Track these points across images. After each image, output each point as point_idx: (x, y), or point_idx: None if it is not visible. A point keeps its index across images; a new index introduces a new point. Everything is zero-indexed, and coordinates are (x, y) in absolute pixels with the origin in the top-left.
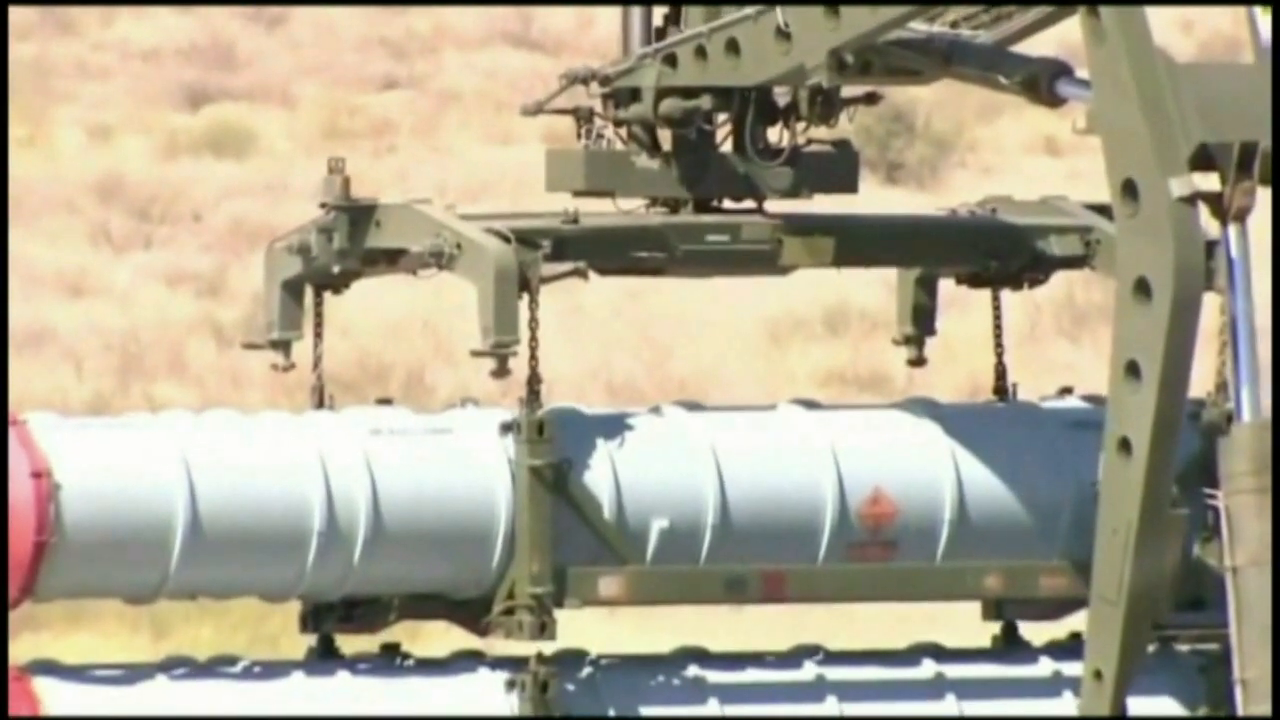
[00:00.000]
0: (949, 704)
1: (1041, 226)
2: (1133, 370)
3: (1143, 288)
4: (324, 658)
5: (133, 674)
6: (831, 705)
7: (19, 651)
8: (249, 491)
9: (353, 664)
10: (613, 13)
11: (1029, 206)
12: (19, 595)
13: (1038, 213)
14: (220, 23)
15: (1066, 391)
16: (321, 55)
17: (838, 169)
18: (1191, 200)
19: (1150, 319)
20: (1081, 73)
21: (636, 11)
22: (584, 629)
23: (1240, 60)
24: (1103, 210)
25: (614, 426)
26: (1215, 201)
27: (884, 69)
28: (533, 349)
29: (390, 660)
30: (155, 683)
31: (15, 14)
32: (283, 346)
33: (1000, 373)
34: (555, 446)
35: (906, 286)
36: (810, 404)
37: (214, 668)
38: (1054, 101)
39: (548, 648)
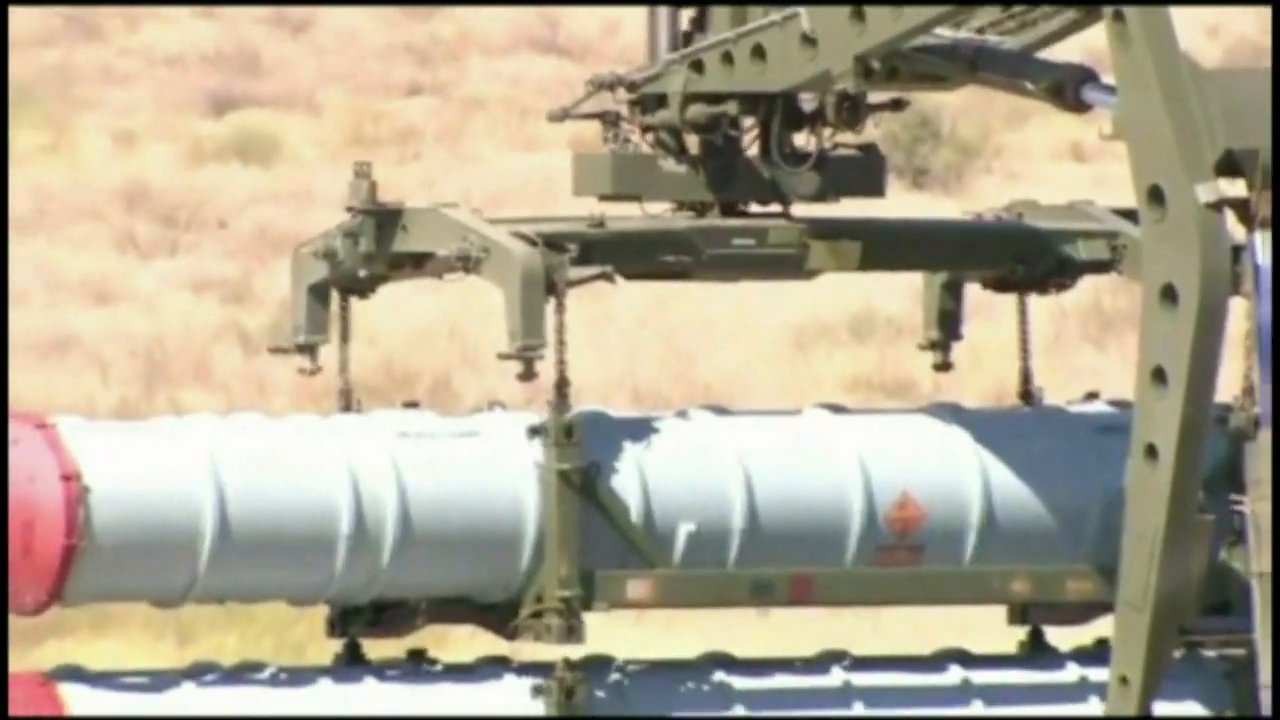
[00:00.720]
0: (975, 709)
1: (1068, 231)
2: (1159, 376)
3: (1169, 294)
4: (350, 664)
5: (159, 680)
6: (858, 711)
7: (44, 657)
8: (277, 495)
9: (379, 670)
10: (638, 18)
11: (1055, 211)
12: (46, 599)
13: (1064, 217)
14: (245, 29)
15: (1093, 396)
16: (346, 62)
17: (864, 174)
18: (1218, 206)
19: (1177, 325)
20: (1107, 78)
21: (663, 16)
22: (610, 635)
23: (1266, 66)
24: (1129, 215)
25: (641, 430)
26: (1241, 208)
27: (910, 75)
28: (560, 353)
29: (417, 666)
30: (181, 689)
31: (40, 20)
32: (309, 350)
33: (1026, 377)
34: (583, 450)
35: (932, 291)
36: (837, 408)
37: (240, 674)
38: (1079, 107)
39: (574, 653)
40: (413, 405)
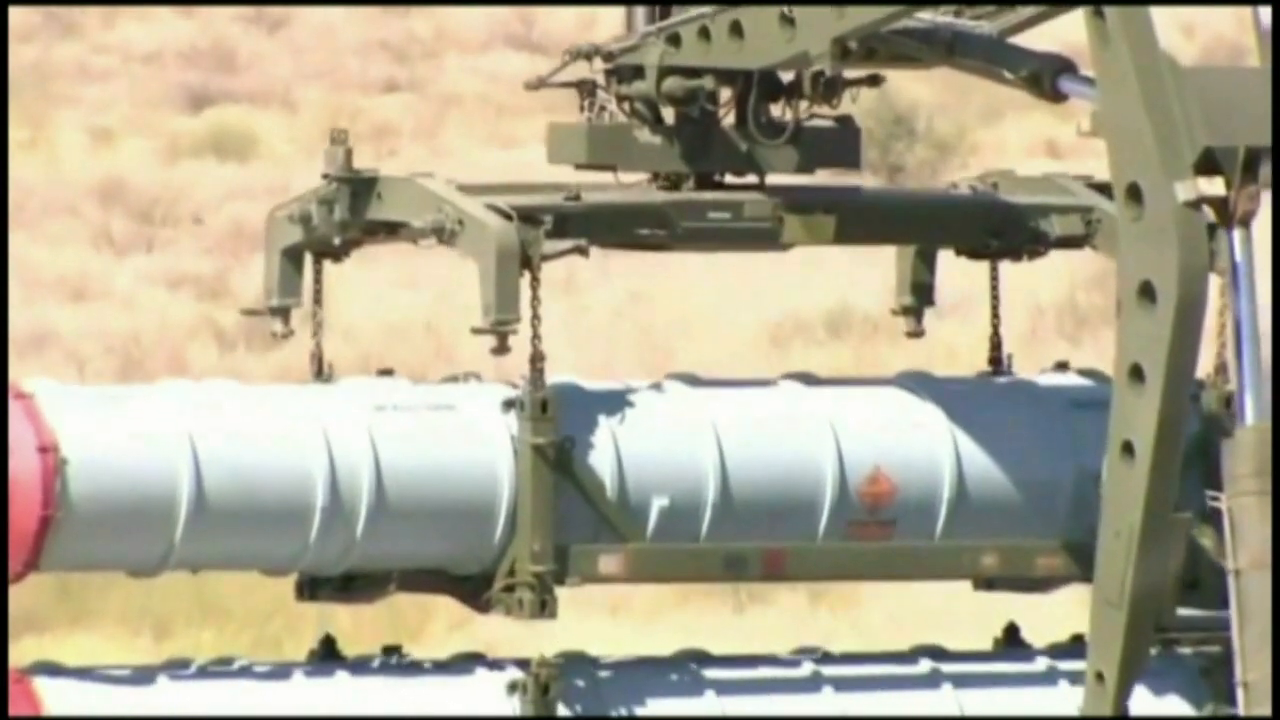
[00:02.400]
0: (946, 694)
1: (1042, 206)
2: (1136, 374)
3: (1147, 292)
4: (325, 660)
5: (134, 676)
6: (828, 696)
7: (20, 654)
8: (253, 466)
9: (354, 666)
10: (614, 15)
11: (1030, 183)
12: (22, 570)
13: (1039, 190)
14: (221, 26)
15: (1063, 366)
16: (323, 58)
17: (840, 145)
18: (1196, 205)
19: (1154, 323)
20: (1084, 69)
21: None
22: (586, 631)
23: (1245, 64)
24: (1104, 189)
25: (615, 403)
26: (1220, 206)
27: (887, 56)
28: (535, 327)
29: (391, 662)
30: (156, 685)
31: (17, 17)
32: (281, 313)
33: (996, 343)
34: (558, 425)
35: (906, 257)
36: (810, 379)
37: (214, 669)
38: (1056, 98)
39: (549, 649)
40: (387, 373)
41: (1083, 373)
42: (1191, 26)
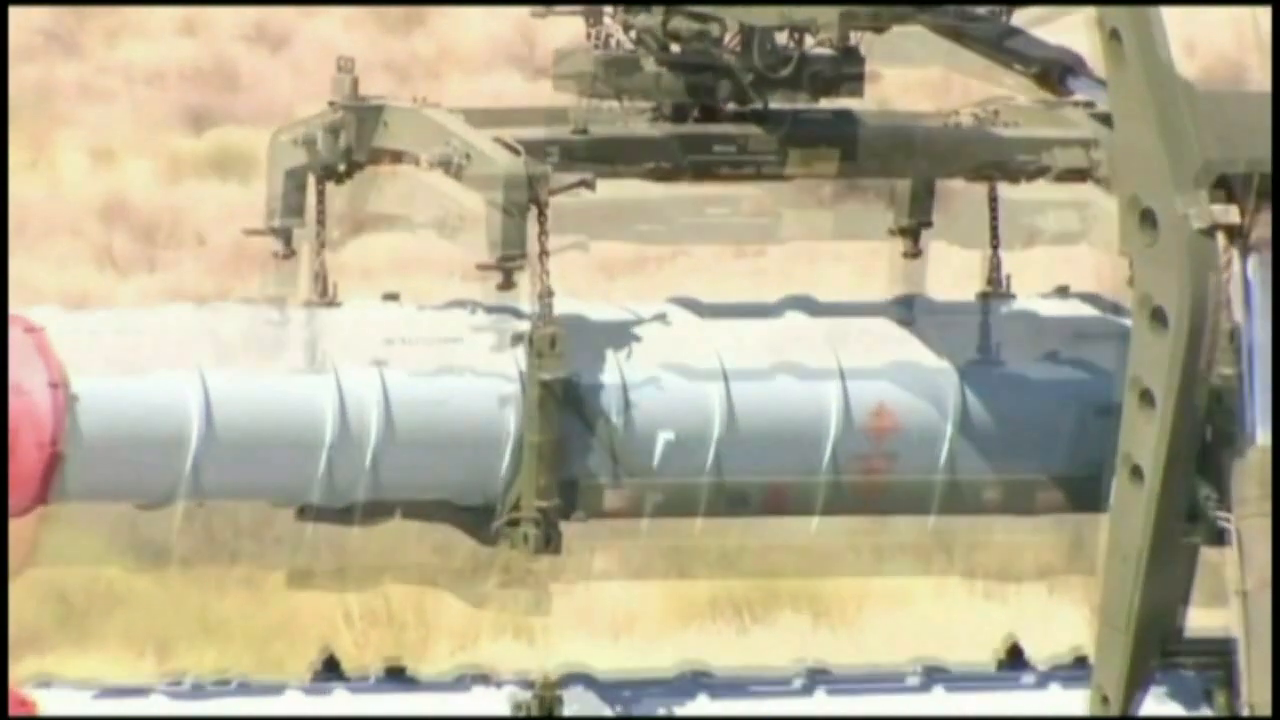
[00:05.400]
0: (939, 696)
1: (1045, 139)
2: (1146, 398)
3: (1158, 316)
4: (327, 677)
5: (134, 690)
6: (820, 698)
7: (21, 674)
8: (262, 400)
9: (356, 684)
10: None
11: (1033, 113)
12: (30, 504)
13: (1042, 121)
14: (224, 46)
15: (1063, 290)
16: (325, 78)
17: (844, 75)
18: (1209, 231)
19: (1165, 348)
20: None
21: None
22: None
23: (1243, 84)
24: (1107, 119)
25: (623, 337)
26: (1234, 232)
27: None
28: (542, 262)
29: (394, 680)
30: (152, 700)
31: (19, 37)
32: (283, 234)
33: (995, 265)
34: (565, 361)
35: (903, 180)
36: (813, 306)
37: (212, 685)
38: (1063, 96)
39: (552, 668)
40: (393, 297)
41: (1083, 297)
42: (1193, 45)
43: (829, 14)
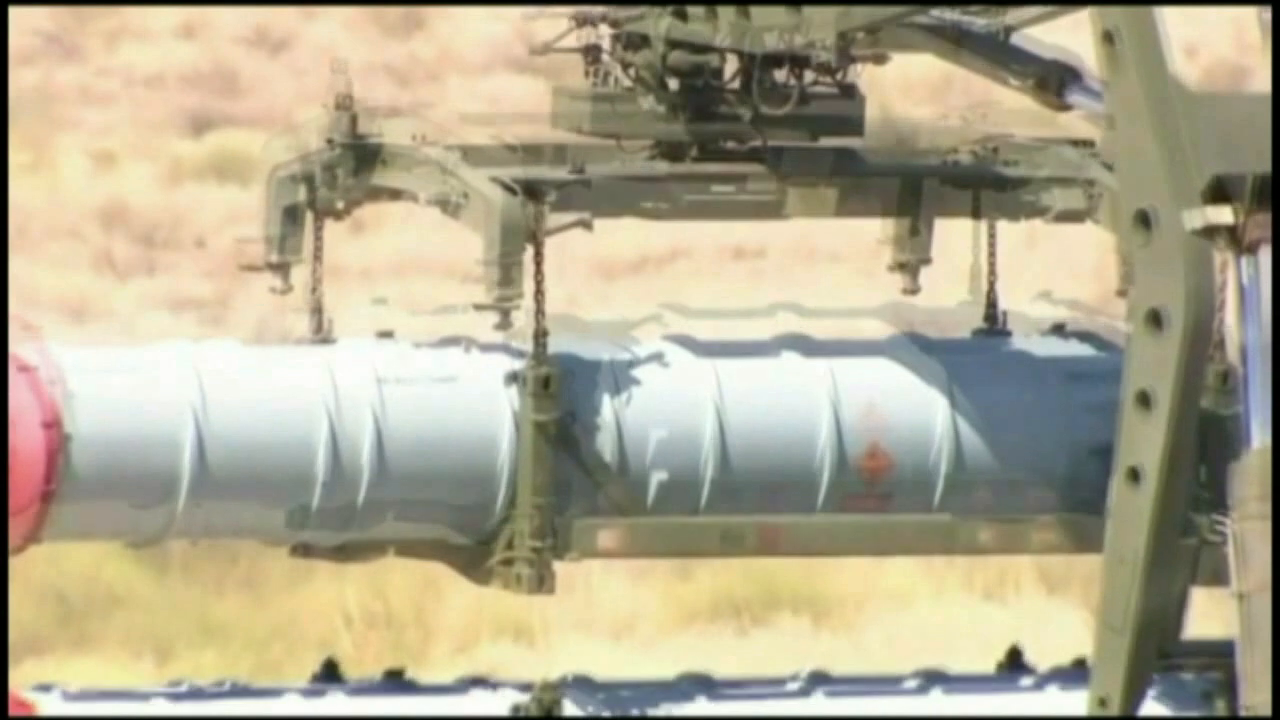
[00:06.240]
0: (937, 697)
1: (1043, 179)
2: (1144, 400)
3: (1155, 319)
4: (327, 682)
5: (136, 695)
6: (818, 699)
7: (21, 677)
8: (256, 441)
9: (356, 689)
10: None
11: (1031, 152)
12: (22, 543)
13: (1040, 160)
14: (224, 49)
15: (1059, 329)
16: (325, 81)
17: (844, 113)
18: (1206, 233)
19: (1162, 349)
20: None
21: None
22: (588, 655)
23: (1244, 87)
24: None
25: (618, 376)
26: (1230, 234)
27: (893, 46)
28: (538, 302)
29: (393, 685)
30: (153, 704)
31: (19, 40)
32: (281, 269)
33: (991, 300)
34: (559, 401)
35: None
36: (808, 345)
37: (211, 689)
38: (1061, 106)
39: (553, 673)
40: (387, 335)
41: (1080, 336)
42: (1194, 48)
43: (825, 14)
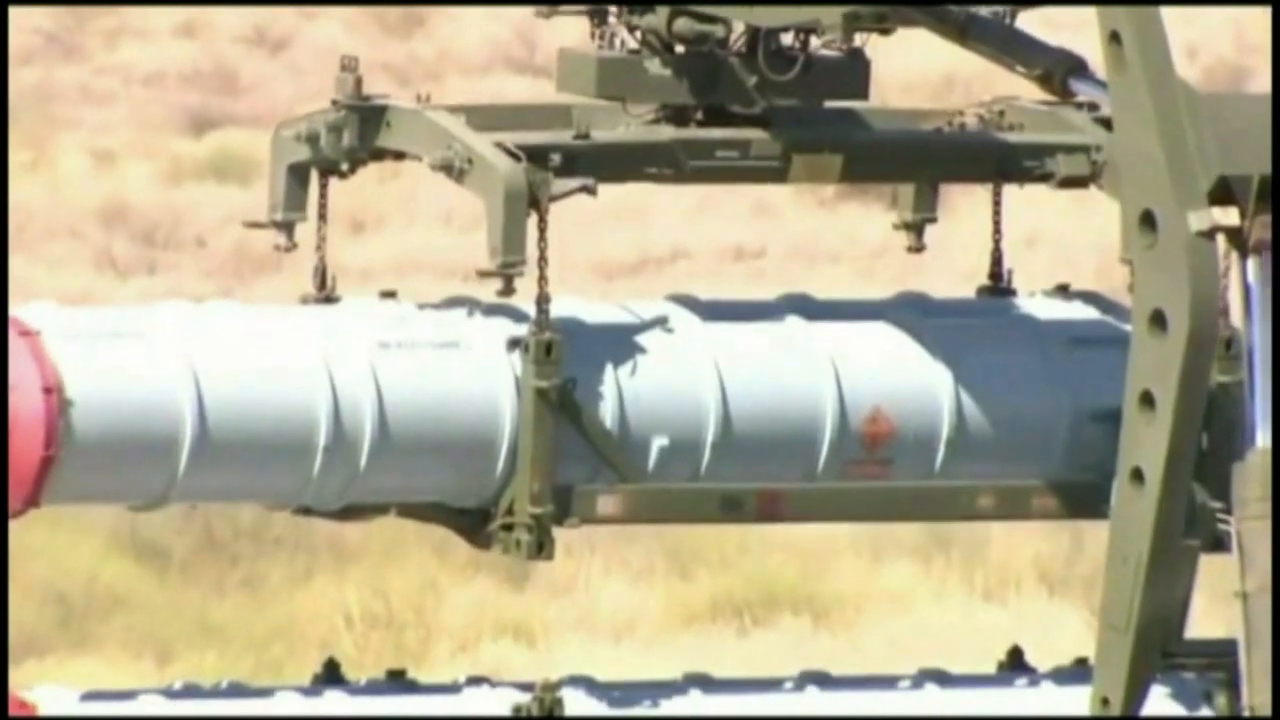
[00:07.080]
0: (934, 693)
1: (1048, 145)
2: (1147, 401)
3: (1158, 320)
4: (328, 683)
5: (133, 695)
6: (812, 694)
7: (21, 678)
8: (256, 403)
9: (356, 689)
10: None
11: (1037, 116)
12: (22, 507)
13: (1046, 125)
14: (224, 48)
15: (1063, 289)
16: (324, 81)
17: (850, 77)
18: (1210, 234)
19: (1165, 351)
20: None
21: None
22: (589, 656)
23: (1244, 88)
24: (1111, 124)
25: (620, 342)
26: (1234, 235)
27: (898, 22)
28: (542, 269)
29: (394, 684)
30: (150, 702)
31: (18, 39)
32: (286, 227)
33: (997, 260)
34: (561, 368)
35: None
36: (809, 307)
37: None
38: (1066, 97)
39: (553, 673)
40: (390, 295)
41: (1084, 296)
42: (1195, 49)
43: (833, 14)
